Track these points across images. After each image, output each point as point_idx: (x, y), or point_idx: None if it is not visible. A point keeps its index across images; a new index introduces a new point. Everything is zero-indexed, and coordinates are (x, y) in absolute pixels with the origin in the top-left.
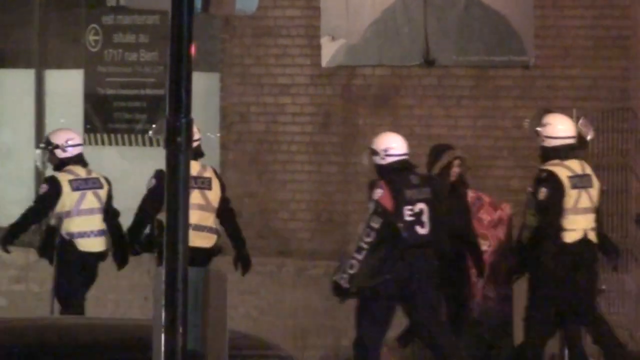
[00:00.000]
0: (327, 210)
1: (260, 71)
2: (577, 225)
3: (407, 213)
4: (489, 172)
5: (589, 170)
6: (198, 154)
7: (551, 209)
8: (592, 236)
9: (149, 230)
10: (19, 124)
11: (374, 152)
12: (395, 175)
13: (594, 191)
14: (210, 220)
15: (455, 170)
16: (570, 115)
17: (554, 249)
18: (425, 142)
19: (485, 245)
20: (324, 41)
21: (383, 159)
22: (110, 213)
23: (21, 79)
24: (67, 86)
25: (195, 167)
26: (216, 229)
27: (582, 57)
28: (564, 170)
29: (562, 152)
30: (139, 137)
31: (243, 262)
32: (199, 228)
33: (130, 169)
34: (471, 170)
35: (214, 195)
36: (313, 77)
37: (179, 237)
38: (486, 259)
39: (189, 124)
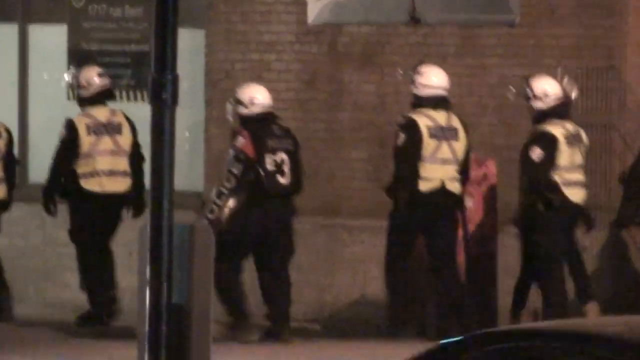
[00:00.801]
0: (313, 167)
1: (245, 28)
2: (434, 174)
3: (269, 162)
4: (474, 129)
5: (457, 124)
6: (106, 97)
7: (406, 156)
8: (452, 187)
9: (63, 180)
10: (1, 78)
11: (238, 102)
12: (258, 124)
13: (459, 145)
14: (122, 164)
15: None
16: (555, 74)
17: (408, 195)
18: (411, 99)
19: (470, 202)
20: None
21: (247, 108)
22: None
23: (3, 33)
24: (50, 42)
25: (104, 113)
26: (129, 173)
27: (567, 16)
28: (425, 119)
29: (431, 102)
30: (123, 92)
31: (136, 206)
32: (112, 173)
33: None
34: None
35: (125, 139)
36: (299, 34)
37: (164, 193)
38: (471, 215)
39: (175, 81)
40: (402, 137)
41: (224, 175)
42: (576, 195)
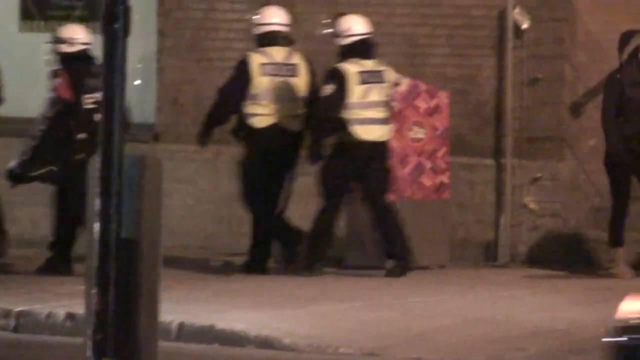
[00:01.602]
0: None
1: None
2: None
3: (87, 102)
4: (426, 60)
5: (297, 60)
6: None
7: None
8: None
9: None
10: None
11: (58, 40)
12: (75, 64)
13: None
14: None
15: None
16: (507, 4)
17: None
18: None
19: (421, 133)
20: None
21: (69, 47)
22: None
23: None
24: None
25: None
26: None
27: None
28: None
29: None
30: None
31: None
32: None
33: None
34: (409, 58)
35: None
36: None
37: (114, 125)
38: (422, 146)
39: (127, 11)
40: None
41: (38, 119)
42: (371, 132)
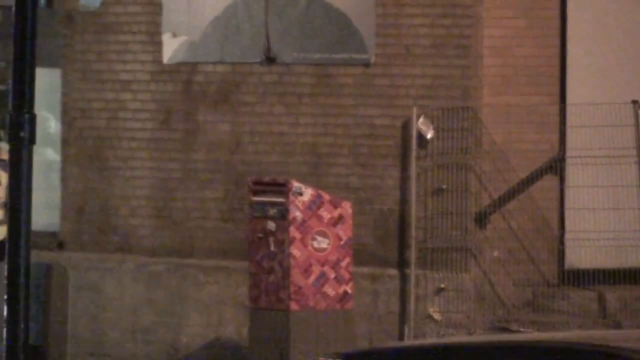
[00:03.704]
0: (168, 207)
1: (101, 67)
2: None
3: None
4: (329, 170)
5: None
6: None
7: None
8: None
9: None
10: None
11: None
12: None
13: None
14: None
15: None
16: (411, 114)
17: None
18: (267, 139)
19: (324, 243)
20: (165, 38)
21: None
22: None
23: None
24: None
25: None
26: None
27: (422, 56)
28: None
29: None
30: None
31: None
32: None
33: None
34: (312, 168)
35: None
36: (154, 73)
37: (22, 233)
38: (325, 255)
39: (32, 119)
40: None
41: None
42: None
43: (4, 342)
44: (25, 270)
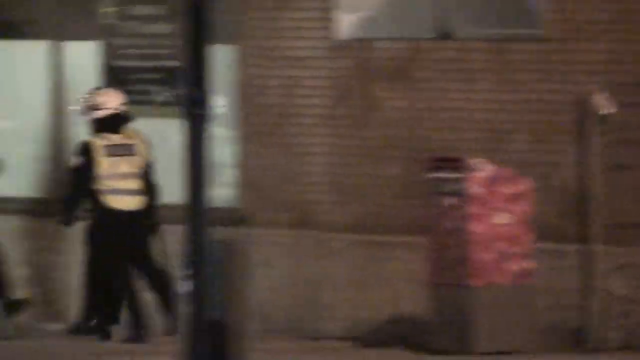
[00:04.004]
0: (345, 184)
1: (277, 44)
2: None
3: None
4: (506, 146)
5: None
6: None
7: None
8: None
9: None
10: (33, 94)
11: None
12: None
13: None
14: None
15: None
16: (589, 90)
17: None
18: (443, 115)
19: (505, 219)
20: (340, 13)
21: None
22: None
23: (35, 50)
24: (82, 58)
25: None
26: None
27: (600, 32)
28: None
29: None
30: (157, 108)
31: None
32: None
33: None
34: (487, 145)
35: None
36: (329, 49)
37: (202, 210)
38: (506, 231)
39: (208, 96)
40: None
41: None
42: (122, 202)
43: (191, 317)
44: (207, 247)
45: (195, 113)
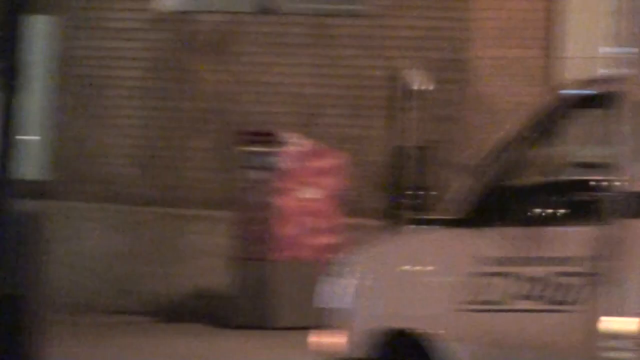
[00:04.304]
0: (155, 156)
1: (94, 15)
2: None
3: None
4: (321, 120)
5: None
6: None
7: None
8: None
9: None
10: None
11: None
12: None
13: None
14: None
15: None
16: (402, 65)
17: None
18: (259, 89)
19: (313, 194)
20: None
21: None
22: None
23: None
24: None
25: None
26: None
27: (416, 8)
28: None
29: None
30: None
31: None
32: None
33: None
34: (302, 119)
35: None
36: (148, 21)
37: (6, 182)
38: (314, 206)
39: (22, 67)
40: None
41: None
42: None
43: None
44: (6, 220)
45: (7, 83)
